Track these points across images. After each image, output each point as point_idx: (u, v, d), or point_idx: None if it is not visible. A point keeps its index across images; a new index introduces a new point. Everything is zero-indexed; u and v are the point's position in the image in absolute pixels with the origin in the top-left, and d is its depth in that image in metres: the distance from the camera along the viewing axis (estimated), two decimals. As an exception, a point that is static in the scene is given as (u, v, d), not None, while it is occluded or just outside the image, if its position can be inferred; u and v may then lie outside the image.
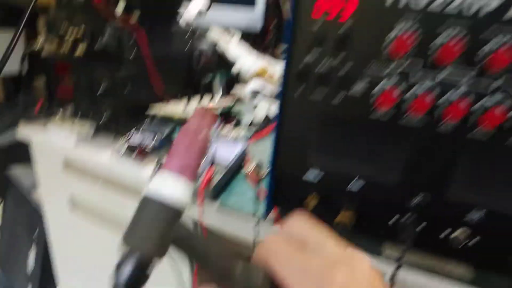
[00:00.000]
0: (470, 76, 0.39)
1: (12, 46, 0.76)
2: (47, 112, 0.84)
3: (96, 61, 0.76)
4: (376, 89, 0.42)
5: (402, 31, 0.39)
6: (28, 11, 0.79)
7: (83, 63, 0.77)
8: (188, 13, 1.00)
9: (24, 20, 0.79)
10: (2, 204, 1.57)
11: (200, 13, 1.08)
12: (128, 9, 0.72)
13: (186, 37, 0.93)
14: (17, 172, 1.53)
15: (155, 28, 0.80)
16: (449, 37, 0.38)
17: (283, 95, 0.46)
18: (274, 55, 1.31)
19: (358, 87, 0.43)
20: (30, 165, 1.59)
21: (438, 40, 0.38)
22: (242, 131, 0.91)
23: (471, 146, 0.41)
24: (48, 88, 0.85)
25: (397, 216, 0.49)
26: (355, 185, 0.48)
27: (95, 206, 0.87)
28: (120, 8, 0.71)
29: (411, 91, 0.41)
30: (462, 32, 0.37)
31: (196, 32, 0.97)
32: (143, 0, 0.73)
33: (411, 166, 0.45)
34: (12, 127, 1.26)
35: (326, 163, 0.48)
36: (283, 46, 1.30)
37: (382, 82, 0.42)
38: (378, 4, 0.39)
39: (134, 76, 0.77)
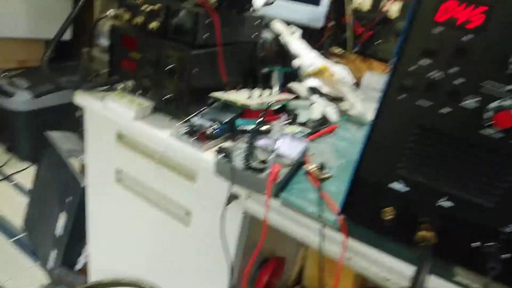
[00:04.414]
0: None
1: (75, 11, 0.76)
2: (107, 83, 0.84)
3: (167, 39, 0.75)
4: (493, 105, 0.39)
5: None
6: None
7: (153, 38, 0.76)
8: (257, 2, 0.98)
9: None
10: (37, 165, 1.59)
11: (267, 3, 1.06)
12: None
13: (253, 26, 0.91)
14: (56, 135, 1.54)
15: (230, 13, 0.78)
16: None
17: (385, 95, 0.43)
18: (327, 55, 1.28)
19: (472, 102, 0.40)
20: (71, 131, 1.61)
21: None
22: (297, 129, 0.88)
23: None
24: (112, 59, 0.85)
25: (480, 243, 0.46)
26: (443, 204, 0.45)
27: (143, 182, 0.87)
28: (201, -12, 0.70)
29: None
30: None
31: (262, 22, 0.94)
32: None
33: (510, 193, 0.42)
34: (59, 90, 1.26)
35: (416, 175, 0.46)
36: (337, 48, 1.28)
37: (501, 100, 0.39)
38: None
39: (202, 59, 0.75)
